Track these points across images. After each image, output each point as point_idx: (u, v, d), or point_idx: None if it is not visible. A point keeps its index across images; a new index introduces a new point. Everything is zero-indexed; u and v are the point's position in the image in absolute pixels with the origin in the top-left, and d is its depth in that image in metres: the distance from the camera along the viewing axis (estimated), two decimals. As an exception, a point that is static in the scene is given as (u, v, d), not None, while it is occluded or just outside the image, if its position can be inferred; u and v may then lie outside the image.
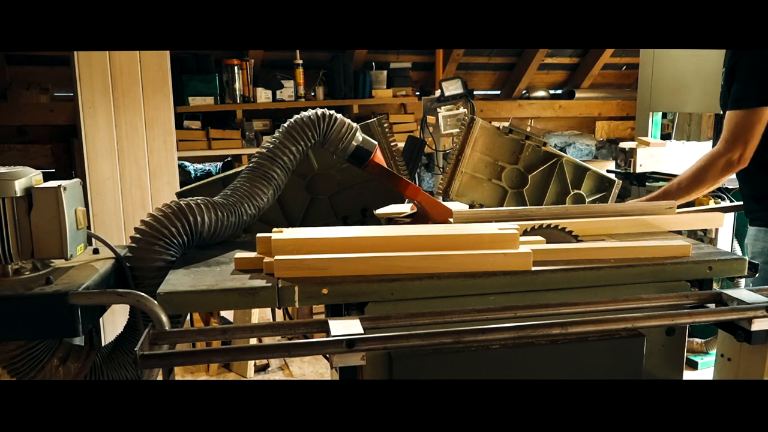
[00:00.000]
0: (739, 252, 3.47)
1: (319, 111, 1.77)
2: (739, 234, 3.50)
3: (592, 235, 1.73)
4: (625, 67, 6.39)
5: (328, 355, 1.22)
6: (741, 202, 2.41)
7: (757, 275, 1.60)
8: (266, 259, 1.47)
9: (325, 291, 1.39)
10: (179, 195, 1.88)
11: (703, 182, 2.10)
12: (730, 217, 3.37)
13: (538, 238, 1.63)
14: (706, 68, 3.48)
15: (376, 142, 1.84)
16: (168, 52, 3.66)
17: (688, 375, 2.59)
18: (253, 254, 1.53)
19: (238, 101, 4.91)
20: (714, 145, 2.17)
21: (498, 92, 6.34)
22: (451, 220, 1.77)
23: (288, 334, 1.40)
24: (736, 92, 2.05)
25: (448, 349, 1.36)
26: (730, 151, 2.05)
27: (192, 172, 5.22)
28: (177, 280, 1.43)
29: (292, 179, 1.84)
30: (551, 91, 6.43)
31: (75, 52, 3.45)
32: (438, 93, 4.15)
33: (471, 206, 2.13)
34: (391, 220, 1.92)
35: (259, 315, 3.84)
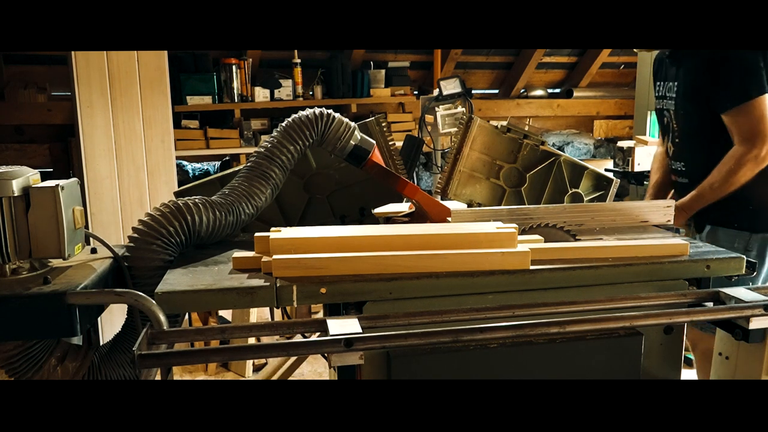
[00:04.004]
0: (736, 251, 3.47)
1: (317, 110, 1.77)
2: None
3: (589, 236, 1.74)
4: (623, 66, 6.39)
5: (326, 355, 1.22)
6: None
7: (755, 274, 1.60)
8: (264, 259, 1.47)
9: (323, 290, 1.39)
10: (177, 194, 1.88)
11: (735, 183, 2.10)
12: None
13: (536, 237, 1.63)
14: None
15: (374, 142, 1.84)
16: (166, 52, 3.65)
17: (686, 374, 2.60)
18: (251, 254, 1.53)
19: (236, 100, 4.90)
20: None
21: (496, 91, 6.33)
22: (449, 219, 1.77)
23: (286, 334, 1.40)
24: (732, 90, 2.06)
25: (447, 348, 1.36)
26: (756, 146, 2.04)
27: (190, 171, 5.22)
28: (175, 280, 1.43)
29: (290, 178, 1.84)
30: (549, 90, 6.43)
31: (72, 52, 3.45)
32: (436, 92, 4.15)
33: (469, 205, 2.13)
34: (389, 219, 1.92)
35: (258, 314, 3.84)
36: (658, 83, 2.41)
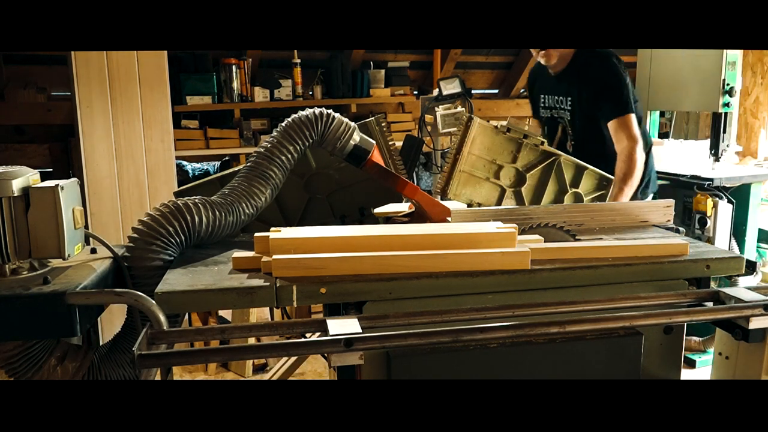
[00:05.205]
0: (736, 250, 3.48)
1: (317, 110, 1.77)
2: (737, 232, 3.50)
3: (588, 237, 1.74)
4: (622, 66, 6.38)
5: (326, 355, 1.22)
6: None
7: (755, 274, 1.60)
8: (264, 259, 1.47)
9: (323, 290, 1.39)
10: (177, 194, 1.88)
11: (638, 169, 2.69)
12: (728, 215, 3.38)
13: (536, 236, 1.63)
14: (704, 67, 3.49)
15: (373, 142, 1.84)
16: (166, 52, 3.65)
17: (686, 373, 2.60)
18: (251, 254, 1.53)
19: (236, 100, 4.89)
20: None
21: (496, 91, 6.33)
22: (449, 219, 1.77)
23: (286, 334, 1.40)
24: (616, 106, 2.75)
25: (446, 348, 1.36)
26: (636, 142, 2.71)
27: (190, 171, 5.21)
28: (175, 280, 1.43)
29: (290, 178, 1.84)
30: (549, 90, 6.42)
31: (72, 52, 3.45)
32: (436, 92, 4.14)
33: (469, 205, 2.13)
34: (389, 219, 1.93)
35: (258, 315, 3.84)
36: (542, 96, 3.05)
